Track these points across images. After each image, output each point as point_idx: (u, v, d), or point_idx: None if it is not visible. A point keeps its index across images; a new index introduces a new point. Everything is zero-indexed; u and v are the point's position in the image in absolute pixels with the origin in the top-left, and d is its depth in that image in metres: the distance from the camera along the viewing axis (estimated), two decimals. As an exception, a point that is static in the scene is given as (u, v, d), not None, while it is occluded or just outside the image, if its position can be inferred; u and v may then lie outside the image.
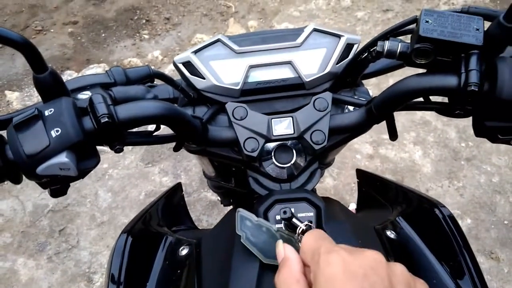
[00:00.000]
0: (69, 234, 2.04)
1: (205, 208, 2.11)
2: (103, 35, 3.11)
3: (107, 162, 2.28)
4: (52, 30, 3.13)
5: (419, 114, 2.39)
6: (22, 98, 2.60)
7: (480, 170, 2.19)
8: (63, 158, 0.45)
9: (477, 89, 0.48)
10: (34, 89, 2.64)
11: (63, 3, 3.36)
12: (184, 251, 0.70)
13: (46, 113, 0.46)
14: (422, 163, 2.23)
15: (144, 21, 3.19)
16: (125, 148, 2.31)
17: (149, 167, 2.27)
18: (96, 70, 2.78)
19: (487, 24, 0.50)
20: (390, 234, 0.70)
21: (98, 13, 3.28)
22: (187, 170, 2.24)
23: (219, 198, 1.51)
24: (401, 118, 2.37)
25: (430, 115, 2.38)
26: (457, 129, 2.33)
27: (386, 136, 0.69)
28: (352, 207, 1.61)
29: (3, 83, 2.77)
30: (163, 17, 3.20)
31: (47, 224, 2.08)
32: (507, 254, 1.89)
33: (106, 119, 0.46)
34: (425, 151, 2.27)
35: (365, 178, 1.01)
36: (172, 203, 0.95)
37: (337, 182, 2.16)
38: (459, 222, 0.67)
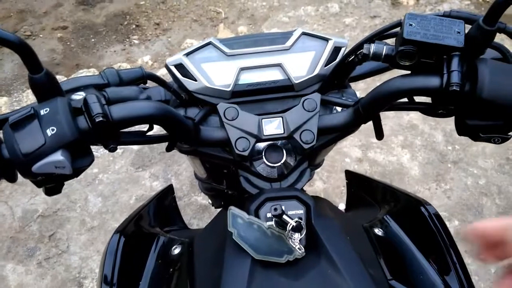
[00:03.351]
0: (59, 239, 2.03)
1: (196, 212, 2.11)
2: (93, 40, 3.11)
3: (97, 166, 2.27)
4: (41, 35, 3.12)
5: (406, 118, 2.43)
6: (11, 103, 2.58)
7: (466, 172, 2.23)
8: (58, 156, 0.46)
9: (458, 89, 0.50)
10: (23, 94, 2.64)
11: (52, 8, 3.35)
12: (176, 250, 0.71)
13: (42, 112, 0.47)
14: (410, 166, 2.26)
15: (134, 26, 3.19)
16: (115, 152, 2.31)
17: (140, 172, 2.26)
18: (85, 75, 2.77)
19: (468, 28, 0.53)
20: (378, 231, 0.72)
21: (87, 18, 3.28)
22: (178, 174, 2.24)
23: (210, 201, 1.52)
24: (389, 122, 2.40)
25: (417, 119, 2.41)
26: (444, 133, 2.37)
27: (375, 140, 0.71)
28: (341, 207, 1.63)
29: (-9, 88, 2.75)
30: (153, 22, 3.21)
31: (37, 229, 2.06)
32: (494, 254, 1.92)
33: (101, 118, 0.48)
34: (412, 154, 2.31)
35: (354, 179, 1.03)
36: (163, 204, 0.95)
37: (327, 185, 2.18)
38: (447, 223, 0.69)
